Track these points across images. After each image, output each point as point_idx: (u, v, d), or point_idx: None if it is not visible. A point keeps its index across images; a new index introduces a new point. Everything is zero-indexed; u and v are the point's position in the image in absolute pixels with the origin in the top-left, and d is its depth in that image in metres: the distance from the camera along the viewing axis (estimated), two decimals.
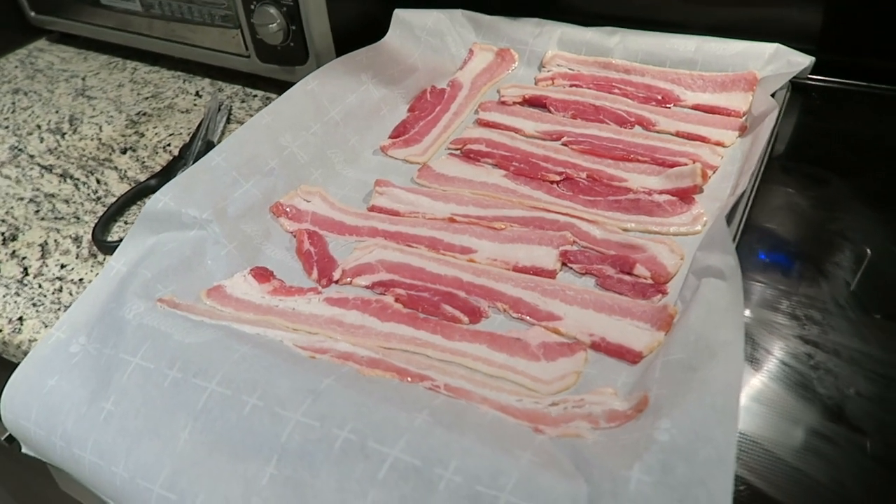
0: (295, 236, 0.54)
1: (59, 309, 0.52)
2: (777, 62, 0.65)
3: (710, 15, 0.72)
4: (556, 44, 0.74)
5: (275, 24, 0.67)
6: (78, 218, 0.61)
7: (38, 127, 0.74)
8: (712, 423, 0.33)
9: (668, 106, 0.66)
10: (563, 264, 0.50)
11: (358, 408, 0.37)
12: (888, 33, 0.66)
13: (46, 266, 0.56)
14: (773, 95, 0.63)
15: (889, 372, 0.41)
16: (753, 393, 0.40)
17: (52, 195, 0.64)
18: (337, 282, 0.50)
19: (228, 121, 0.72)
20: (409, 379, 0.40)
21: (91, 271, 0.55)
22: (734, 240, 0.47)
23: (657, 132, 0.63)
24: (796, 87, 0.66)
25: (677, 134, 0.62)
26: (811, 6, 0.68)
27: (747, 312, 0.45)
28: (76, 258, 0.56)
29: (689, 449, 0.32)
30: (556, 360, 0.42)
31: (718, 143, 0.60)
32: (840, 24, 0.68)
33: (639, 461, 0.32)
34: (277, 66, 0.73)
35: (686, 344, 0.38)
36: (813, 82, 0.67)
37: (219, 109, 0.72)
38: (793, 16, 0.69)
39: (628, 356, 0.42)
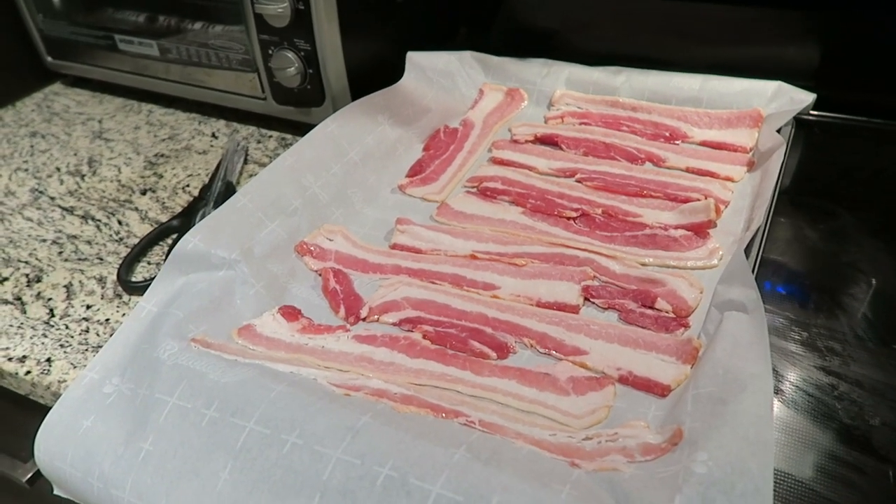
0: (320, 275, 0.55)
1: (86, 350, 0.52)
2: (780, 99, 0.68)
3: (710, 53, 0.75)
4: (563, 83, 0.76)
5: (293, 68, 0.69)
6: (101, 259, 0.62)
7: (58, 169, 0.75)
8: (747, 455, 0.34)
9: (676, 142, 0.68)
10: (586, 299, 0.51)
11: (397, 444, 0.37)
12: (884, 70, 0.69)
13: (72, 307, 0.56)
14: (778, 131, 0.65)
15: None
16: (781, 424, 0.41)
17: (75, 236, 0.65)
18: (364, 319, 0.51)
19: (245, 161, 0.74)
20: (444, 415, 0.41)
21: (117, 311, 0.56)
22: (753, 272, 0.48)
23: (667, 168, 0.65)
24: (799, 122, 0.68)
25: (687, 170, 0.64)
26: (809, 44, 0.71)
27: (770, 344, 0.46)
28: (101, 299, 0.57)
29: (727, 481, 0.33)
30: (585, 394, 0.43)
31: (728, 179, 0.62)
32: (838, 61, 0.71)
33: (679, 494, 0.33)
34: (293, 107, 0.74)
35: (715, 377, 0.39)
36: (814, 118, 0.69)
37: (236, 150, 0.74)
38: (792, 54, 0.72)
39: (656, 389, 0.43)
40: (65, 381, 0.50)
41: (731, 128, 0.68)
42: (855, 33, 0.69)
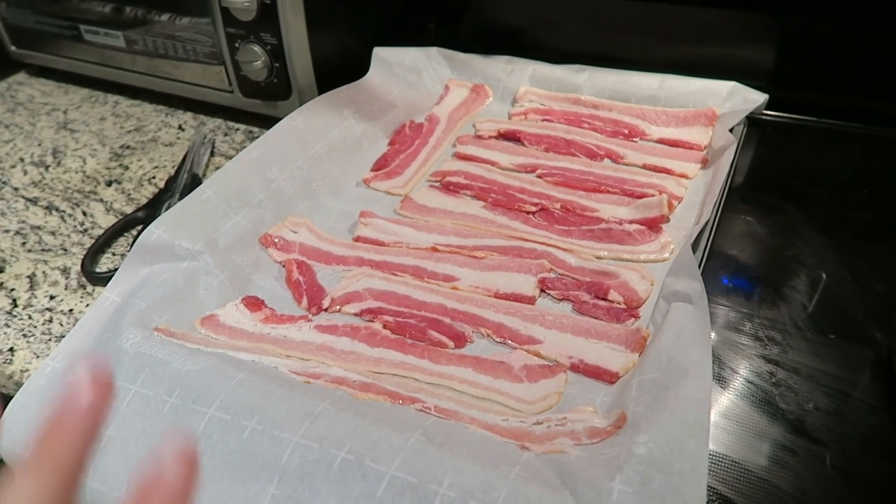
0: (284, 266, 0.56)
1: (49, 339, 0.53)
2: (734, 99, 0.70)
3: (670, 53, 0.77)
4: (527, 80, 0.78)
5: (259, 62, 0.70)
6: (65, 250, 0.62)
7: (21, 160, 0.75)
8: (685, 436, 0.36)
9: (634, 140, 0.70)
10: (542, 291, 0.52)
11: (354, 429, 0.38)
12: (834, 72, 0.72)
13: (35, 297, 0.57)
14: (731, 130, 0.67)
15: (844, 388, 0.44)
16: (721, 409, 0.43)
17: (39, 227, 0.65)
18: (326, 310, 0.52)
19: (212, 154, 0.74)
20: (401, 401, 0.42)
21: (80, 302, 0.56)
22: (700, 266, 0.50)
23: (625, 164, 0.67)
24: (752, 121, 0.70)
25: (644, 166, 0.66)
26: (763, 46, 0.73)
27: (713, 334, 0.48)
28: (65, 289, 0.57)
29: (665, 461, 0.35)
30: (538, 381, 0.45)
31: (682, 175, 0.64)
32: (791, 63, 0.74)
33: (620, 473, 0.35)
34: (260, 101, 0.75)
35: (659, 364, 0.41)
36: (767, 117, 0.72)
37: (203, 142, 0.74)
38: (747, 55, 0.74)
39: (605, 377, 0.45)
40: (27, 370, 0.50)
41: (687, 126, 0.70)
42: (808, 37, 0.72)
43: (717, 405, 0.44)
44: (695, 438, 0.36)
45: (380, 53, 0.75)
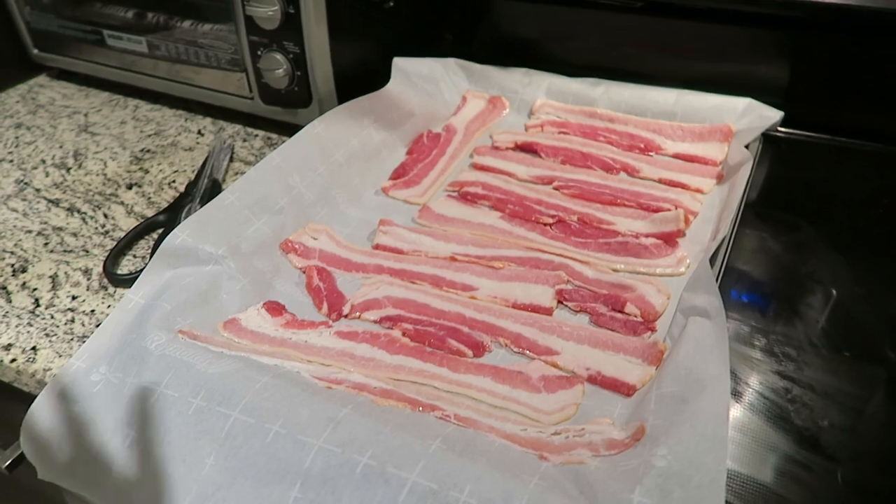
0: (304, 272, 0.56)
1: (72, 339, 0.53)
2: (750, 116, 0.71)
3: (685, 69, 0.78)
4: (544, 93, 0.79)
5: (281, 70, 0.71)
6: (87, 251, 0.63)
7: (43, 161, 0.76)
8: (704, 450, 0.37)
9: (650, 154, 0.71)
10: (559, 302, 0.53)
11: (376, 435, 0.39)
12: (849, 91, 0.73)
13: (58, 297, 0.57)
14: (747, 146, 0.68)
15: (858, 405, 0.45)
16: (737, 424, 0.44)
17: (61, 228, 0.66)
18: (346, 316, 0.52)
19: (231, 159, 0.75)
20: (421, 409, 0.43)
21: (102, 303, 0.57)
22: (717, 280, 0.51)
23: (641, 178, 0.68)
24: (767, 138, 0.71)
25: (660, 181, 0.67)
26: (779, 63, 0.74)
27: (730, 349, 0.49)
28: (87, 290, 0.58)
29: (684, 474, 0.35)
30: (555, 392, 0.45)
31: (698, 190, 0.65)
32: (806, 81, 0.74)
33: (639, 485, 0.35)
34: (280, 108, 0.76)
35: (677, 378, 0.42)
36: (782, 134, 0.72)
37: (222, 148, 0.75)
38: (762, 72, 0.75)
39: (623, 389, 0.45)
40: (50, 369, 0.51)
41: (703, 141, 0.71)
42: (823, 55, 0.73)
43: (732, 420, 0.44)
44: (713, 452, 0.36)
45: (399, 64, 0.76)
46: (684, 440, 0.37)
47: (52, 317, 0.56)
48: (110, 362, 0.46)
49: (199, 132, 0.81)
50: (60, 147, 0.79)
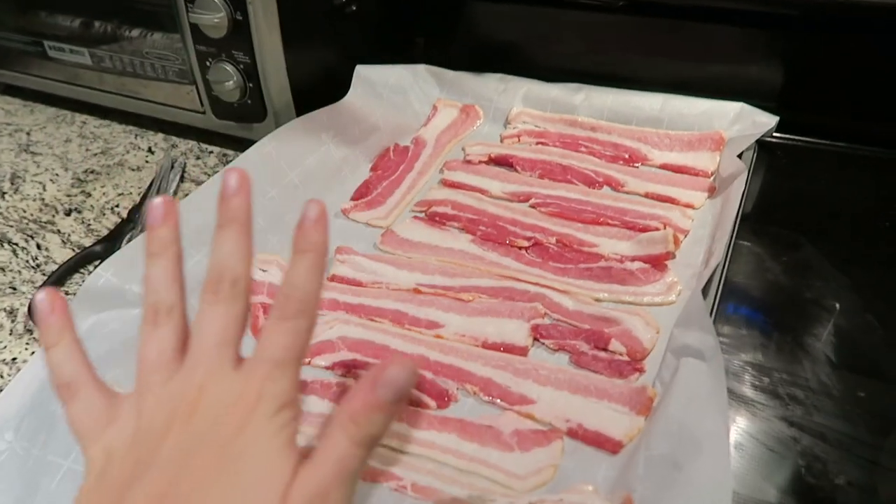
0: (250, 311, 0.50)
1: None
2: (742, 122, 0.65)
3: (671, 72, 0.72)
4: (521, 100, 0.73)
5: (231, 82, 0.65)
6: (14, 288, 0.56)
7: None
8: None
9: (635, 165, 0.65)
10: (535, 339, 0.47)
11: None
12: (848, 92, 0.67)
13: None
14: (740, 156, 0.63)
15: (877, 457, 0.39)
16: (737, 481, 0.38)
17: None
18: None
19: (182, 179, 0.69)
20: (372, 479, 0.37)
21: (26, 349, 0.51)
22: (711, 314, 0.45)
23: (626, 193, 0.62)
24: (760, 144, 0.65)
25: (647, 195, 0.61)
26: (772, 64, 0.69)
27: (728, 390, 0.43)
28: (10, 334, 0.52)
29: None
30: (530, 450, 0.39)
31: (688, 205, 0.59)
32: (800, 83, 0.69)
33: None
34: (234, 122, 0.70)
35: (669, 435, 0.36)
36: (776, 140, 0.67)
37: (171, 167, 0.69)
38: (754, 73, 0.70)
39: (607, 445, 0.39)
40: None
41: (692, 150, 0.65)
42: (819, 55, 0.67)
43: (732, 476, 0.38)
44: None
45: (362, 72, 0.70)
46: None
47: None
48: (18, 427, 0.40)
49: (149, 150, 0.75)
50: None
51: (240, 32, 0.63)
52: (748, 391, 0.43)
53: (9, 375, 0.49)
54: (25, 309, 0.54)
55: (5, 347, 0.51)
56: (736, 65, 0.70)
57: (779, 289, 0.52)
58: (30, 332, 0.52)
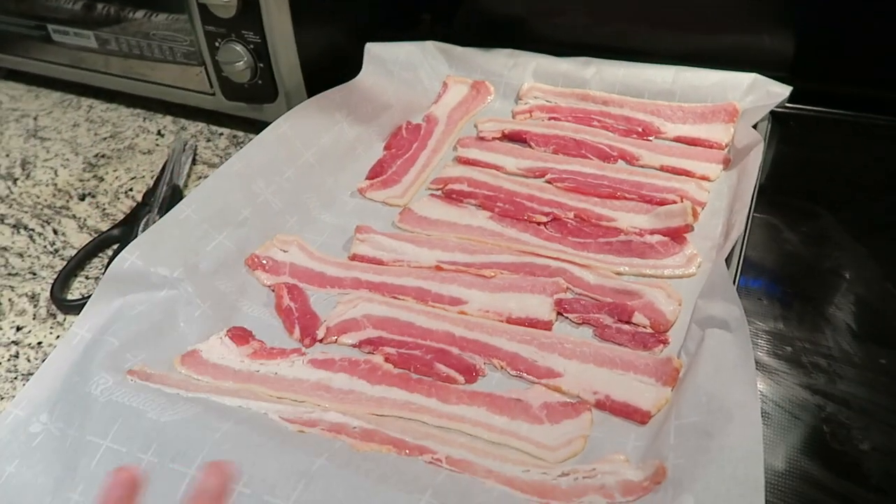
0: (273, 291, 0.50)
1: (15, 378, 0.48)
2: (756, 92, 0.65)
3: (682, 43, 0.72)
4: (531, 75, 0.73)
5: (241, 63, 0.64)
6: (34, 273, 0.57)
7: None
8: (736, 496, 0.32)
9: (649, 138, 0.65)
10: (559, 314, 0.48)
11: (355, 491, 0.34)
12: (860, 60, 0.67)
13: (0, 329, 0.51)
14: (754, 126, 0.62)
15: None
16: (764, 451, 0.39)
17: (5, 248, 0.59)
18: (321, 341, 0.47)
19: (194, 162, 0.69)
20: (407, 451, 0.37)
21: (50, 333, 0.51)
22: (734, 286, 0.45)
23: (641, 167, 0.62)
24: (774, 116, 0.65)
25: (662, 168, 0.61)
26: (783, 33, 0.68)
27: None
28: (33, 319, 0.52)
29: None
30: (560, 422, 0.40)
31: (704, 178, 0.59)
32: (813, 51, 0.68)
33: None
34: (245, 103, 0.69)
35: (698, 405, 0.36)
36: (789, 110, 0.66)
37: (183, 150, 0.69)
38: (765, 43, 0.69)
39: (636, 416, 0.40)
40: None
41: (706, 122, 0.65)
42: (832, 21, 0.66)
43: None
44: (747, 499, 0.31)
45: (372, 49, 0.70)
46: (713, 485, 0.32)
47: None
48: (52, 409, 0.40)
49: (158, 133, 0.75)
50: (7, 155, 0.72)
51: (249, 12, 0.62)
52: (771, 360, 0.44)
53: (35, 359, 0.49)
54: (48, 293, 0.54)
55: (30, 332, 0.51)
56: (746, 33, 0.69)
57: (798, 259, 0.52)
58: (53, 316, 0.52)
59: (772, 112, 0.65)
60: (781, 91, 0.64)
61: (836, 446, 0.39)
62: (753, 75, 0.65)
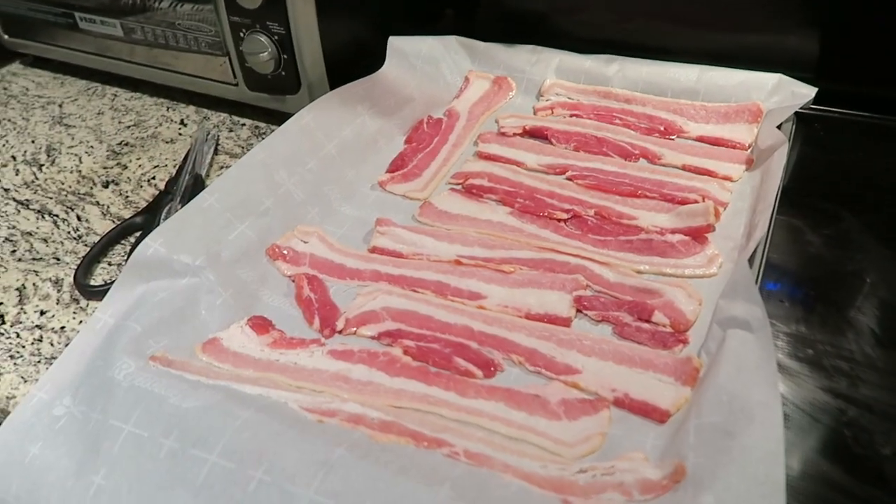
0: (293, 281, 0.51)
1: (39, 361, 0.48)
2: (781, 93, 0.64)
3: (705, 42, 0.71)
4: (553, 72, 0.72)
5: (265, 53, 0.65)
6: (58, 259, 0.57)
7: (13, 158, 0.70)
8: (757, 497, 0.31)
9: (671, 137, 0.65)
10: (578, 311, 0.48)
11: (374, 482, 0.34)
12: (887, 62, 0.66)
13: (24, 313, 0.52)
14: (779, 127, 0.62)
15: None
16: (786, 454, 0.38)
17: (30, 233, 0.60)
18: (340, 332, 0.47)
19: (216, 152, 0.69)
20: (426, 444, 0.37)
21: (73, 318, 0.52)
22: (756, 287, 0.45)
23: (663, 165, 0.62)
24: (799, 117, 0.64)
25: (684, 167, 0.61)
26: (809, 34, 0.67)
27: None
28: (57, 304, 0.53)
29: None
30: (578, 418, 0.40)
31: (726, 178, 0.59)
32: (839, 53, 0.68)
33: None
34: (267, 95, 0.70)
35: (719, 405, 0.36)
36: (814, 112, 0.66)
37: (206, 139, 0.69)
38: (791, 43, 0.68)
39: (655, 414, 0.40)
40: (14, 396, 0.46)
41: (729, 122, 0.64)
42: (858, 22, 0.66)
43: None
44: (769, 499, 0.31)
45: (395, 43, 0.70)
46: (733, 485, 0.32)
47: (18, 335, 0.50)
48: (75, 393, 0.41)
49: (181, 122, 0.75)
50: (33, 142, 0.73)
51: (274, 3, 0.62)
52: (792, 363, 0.44)
53: (59, 343, 0.50)
54: (71, 279, 0.54)
55: (53, 316, 0.52)
56: (771, 34, 0.69)
57: (820, 261, 0.51)
58: (76, 301, 0.53)
59: (796, 113, 0.64)
60: (807, 92, 0.63)
61: (858, 450, 0.38)
62: (778, 76, 0.65)
